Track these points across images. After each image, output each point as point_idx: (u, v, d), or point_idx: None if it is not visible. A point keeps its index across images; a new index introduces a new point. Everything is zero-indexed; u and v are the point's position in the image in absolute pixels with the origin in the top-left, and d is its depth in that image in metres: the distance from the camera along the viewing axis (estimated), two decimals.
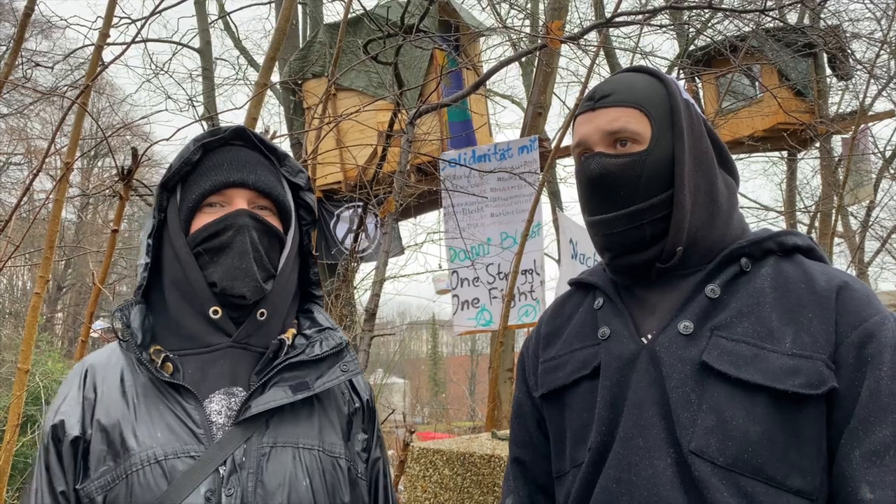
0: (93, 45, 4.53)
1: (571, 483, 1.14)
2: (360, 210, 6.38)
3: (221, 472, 1.07)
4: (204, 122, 8.28)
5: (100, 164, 18.83)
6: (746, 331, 1.05)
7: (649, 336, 1.12)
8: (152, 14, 3.22)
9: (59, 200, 2.63)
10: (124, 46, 3.07)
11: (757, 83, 8.78)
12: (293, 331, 1.24)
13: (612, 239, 1.15)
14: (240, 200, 1.20)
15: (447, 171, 6.03)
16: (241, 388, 1.15)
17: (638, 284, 1.18)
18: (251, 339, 1.19)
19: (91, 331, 2.85)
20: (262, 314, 1.19)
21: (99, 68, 3.09)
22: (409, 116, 4.21)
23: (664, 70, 7.78)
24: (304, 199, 1.29)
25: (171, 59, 13.19)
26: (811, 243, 1.16)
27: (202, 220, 1.19)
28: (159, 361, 1.14)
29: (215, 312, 1.16)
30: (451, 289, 5.95)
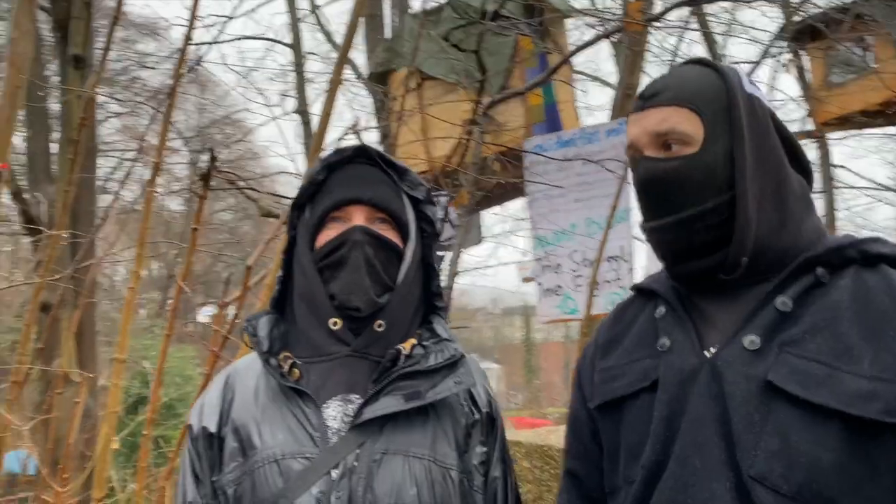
0: (195, 44, 4.71)
1: (623, 501, 1.09)
2: (443, 200, 6.42)
3: (333, 474, 1.14)
4: (296, 115, 8.52)
5: (205, 157, 19.71)
6: (820, 348, 0.97)
7: (712, 349, 1.05)
8: (246, 12, 3.35)
9: (148, 202, 2.77)
10: (220, 44, 3.20)
11: (868, 53, 8.17)
12: (413, 341, 1.27)
13: (664, 247, 1.11)
14: (358, 216, 1.27)
15: (531, 157, 5.95)
16: (357, 396, 1.21)
17: (701, 293, 1.11)
18: (370, 349, 1.25)
19: (202, 317, 3.00)
20: (379, 325, 1.25)
21: (183, 70, 3.23)
22: (482, 108, 4.19)
23: (766, 44, 7.34)
24: (425, 211, 1.34)
25: (264, 57, 13.75)
26: None
27: (325, 237, 1.28)
28: (287, 367, 1.22)
29: (335, 324, 1.24)
30: (534, 277, 5.90)
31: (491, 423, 1.30)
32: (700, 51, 9.92)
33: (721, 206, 1.06)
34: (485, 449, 1.27)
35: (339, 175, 1.31)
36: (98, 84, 3.19)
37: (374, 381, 1.21)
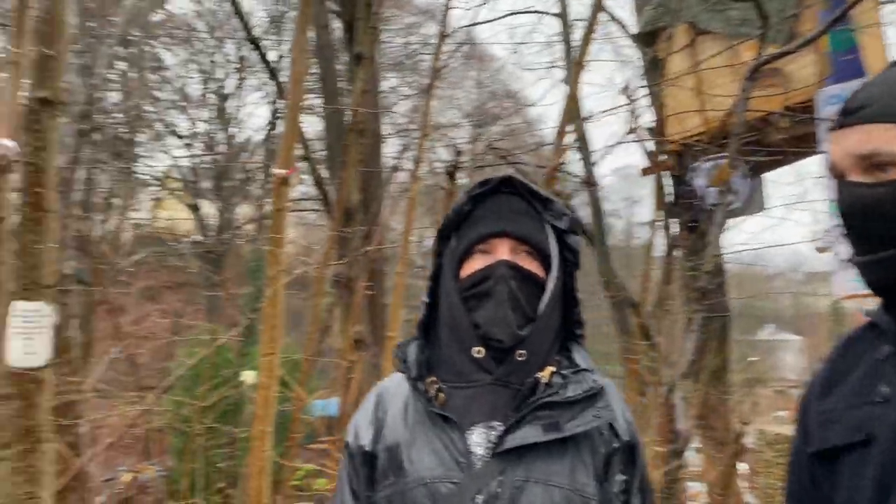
0: (470, 25, 4.93)
1: None
2: (720, 163, 5.93)
3: (478, 500, 1.18)
4: (565, 85, 8.48)
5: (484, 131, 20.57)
6: None
7: None
8: None
9: (412, 200, 2.99)
10: (488, 22, 3.31)
11: None
12: (552, 369, 1.28)
13: (874, 286, 0.95)
14: (502, 249, 1.30)
15: (826, 111, 5.26)
16: (499, 423, 1.24)
17: None
18: (511, 377, 1.27)
19: None
20: (521, 355, 1.27)
21: (439, 65, 3.40)
22: (763, 61, 3.78)
23: None
24: (567, 241, 1.35)
25: (534, 29, 13.93)
26: None
27: (470, 267, 1.32)
28: (433, 391, 1.27)
29: (478, 352, 1.28)
30: (830, 246, 5.23)
31: (631, 452, 1.30)
32: None
33: None
34: (625, 478, 1.27)
35: (484, 206, 1.34)
36: (362, 96, 3.49)
37: (514, 409, 1.23)
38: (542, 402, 1.22)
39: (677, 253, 6.08)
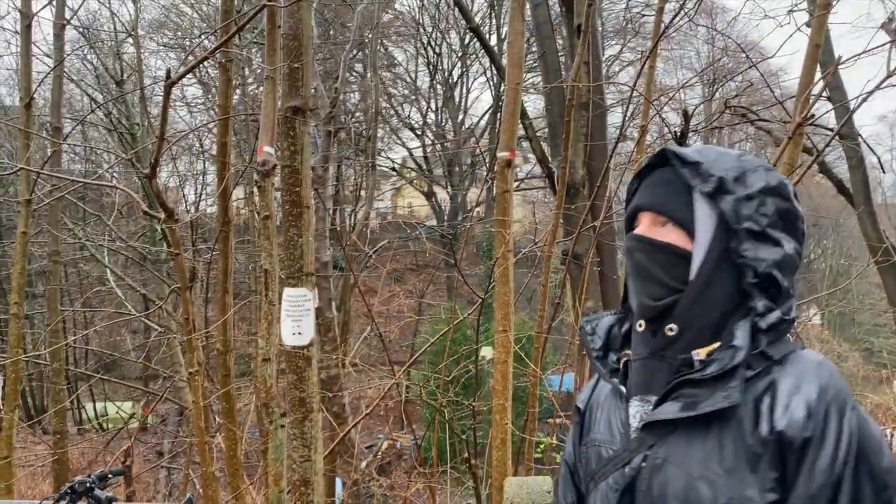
0: None
1: None
2: None
3: (626, 471, 1.23)
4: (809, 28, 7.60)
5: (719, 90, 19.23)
6: None
7: None
8: None
9: (638, 169, 2.89)
10: None
11: None
12: (715, 345, 1.21)
13: None
14: (644, 223, 1.30)
15: None
16: (654, 397, 1.24)
17: None
18: (666, 351, 1.25)
19: None
20: (670, 329, 1.24)
21: (658, 36, 3.25)
22: None
23: None
24: (719, 205, 1.24)
25: None
26: None
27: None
28: (611, 364, 1.35)
29: (640, 326, 1.30)
30: None
31: (801, 447, 1.09)
32: None
33: None
34: (775, 475, 1.10)
35: (641, 184, 1.34)
36: (582, 68, 3.42)
37: (665, 384, 1.22)
38: (685, 380, 1.19)
39: None
